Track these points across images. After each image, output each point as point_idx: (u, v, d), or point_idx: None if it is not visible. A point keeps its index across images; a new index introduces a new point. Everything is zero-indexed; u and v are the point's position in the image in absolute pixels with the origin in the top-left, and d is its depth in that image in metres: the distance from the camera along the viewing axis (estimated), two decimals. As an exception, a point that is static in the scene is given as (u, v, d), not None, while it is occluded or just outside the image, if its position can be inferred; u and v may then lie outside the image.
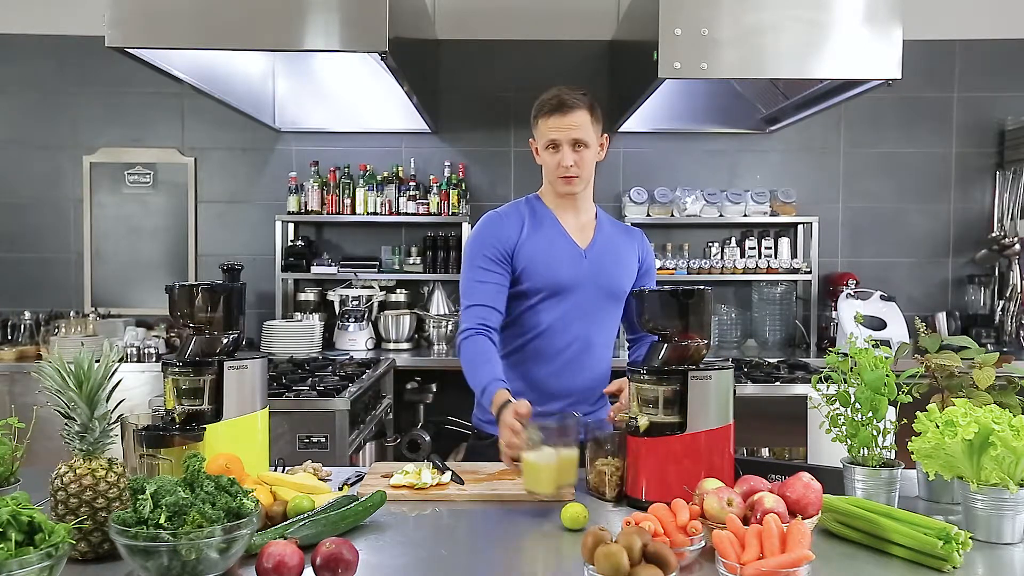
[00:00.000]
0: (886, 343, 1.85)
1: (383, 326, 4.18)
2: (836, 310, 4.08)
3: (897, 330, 3.79)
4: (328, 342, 4.17)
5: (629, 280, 2.14)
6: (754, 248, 4.29)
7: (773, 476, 1.62)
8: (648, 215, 4.23)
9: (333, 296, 4.21)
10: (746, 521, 1.35)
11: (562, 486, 1.64)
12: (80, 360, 1.34)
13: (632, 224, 4.15)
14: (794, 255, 4.29)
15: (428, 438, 3.59)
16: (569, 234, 2.11)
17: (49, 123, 4.37)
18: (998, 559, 1.36)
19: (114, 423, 1.39)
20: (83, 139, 4.38)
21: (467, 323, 2.00)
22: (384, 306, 4.27)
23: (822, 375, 1.66)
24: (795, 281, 4.31)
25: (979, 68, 4.39)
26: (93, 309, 4.26)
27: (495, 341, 2.00)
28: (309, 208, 4.24)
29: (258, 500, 1.31)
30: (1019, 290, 4.22)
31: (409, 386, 3.93)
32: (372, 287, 4.25)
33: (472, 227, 2.19)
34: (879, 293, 3.99)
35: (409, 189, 4.23)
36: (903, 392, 1.59)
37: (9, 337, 4.00)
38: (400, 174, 4.31)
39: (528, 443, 1.64)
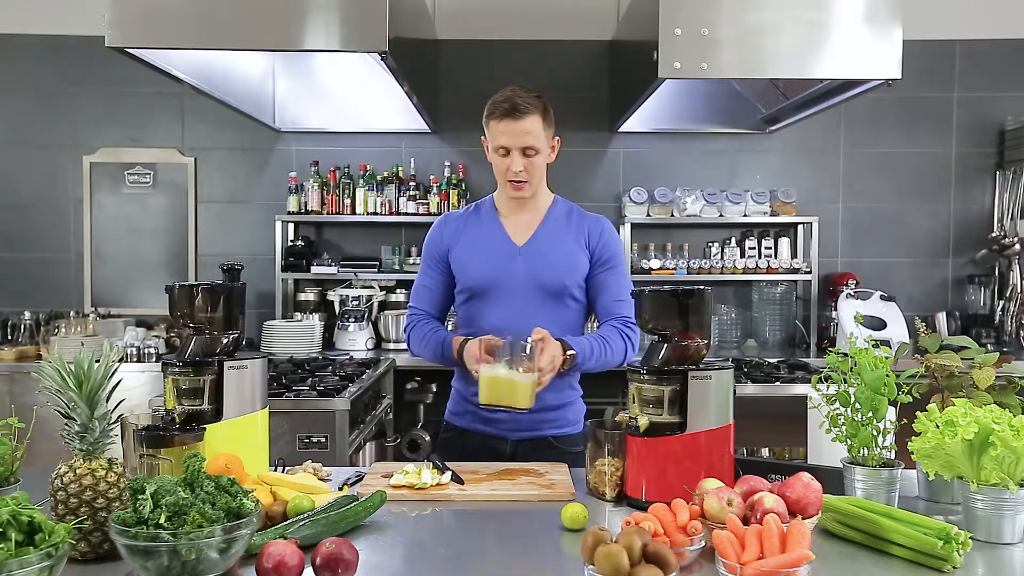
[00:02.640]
0: (886, 343, 1.85)
1: (383, 326, 4.19)
2: (836, 310, 4.08)
3: (897, 330, 3.79)
4: (328, 342, 4.17)
5: (572, 274, 2.08)
6: (754, 248, 4.29)
7: (773, 476, 1.62)
8: (648, 215, 4.23)
9: (333, 296, 4.21)
10: (746, 521, 1.35)
11: (510, 405, 1.83)
12: (80, 360, 1.34)
13: (632, 224, 4.22)
14: (794, 255, 4.29)
15: (428, 438, 3.61)
16: (508, 232, 2.12)
17: (49, 123, 4.37)
18: (998, 559, 1.36)
19: (114, 423, 1.39)
20: (83, 139, 4.38)
21: (408, 321, 2.19)
22: (384, 306, 4.27)
23: (822, 375, 1.66)
24: (795, 281, 4.31)
25: (979, 68, 4.39)
26: (93, 309, 4.26)
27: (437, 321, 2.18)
28: (309, 208, 4.24)
29: (258, 500, 1.31)
30: (1019, 290, 4.22)
31: (409, 386, 3.93)
32: (372, 287, 4.26)
33: None
34: (879, 293, 3.99)
35: (409, 189, 4.23)
36: (903, 392, 1.59)
37: (9, 337, 4.01)
38: (400, 174, 4.31)
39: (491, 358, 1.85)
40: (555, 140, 2.11)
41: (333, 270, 4.22)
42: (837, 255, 4.45)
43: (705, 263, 4.20)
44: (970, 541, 1.31)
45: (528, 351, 1.83)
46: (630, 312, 2.08)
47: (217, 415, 1.62)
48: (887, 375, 1.57)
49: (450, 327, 2.31)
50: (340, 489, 1.69)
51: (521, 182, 2.05)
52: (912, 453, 1.49)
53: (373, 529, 1.49)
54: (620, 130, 4.27)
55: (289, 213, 4.26)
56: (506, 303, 2.05)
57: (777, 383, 3.29)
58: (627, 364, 1.70)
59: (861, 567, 1.33)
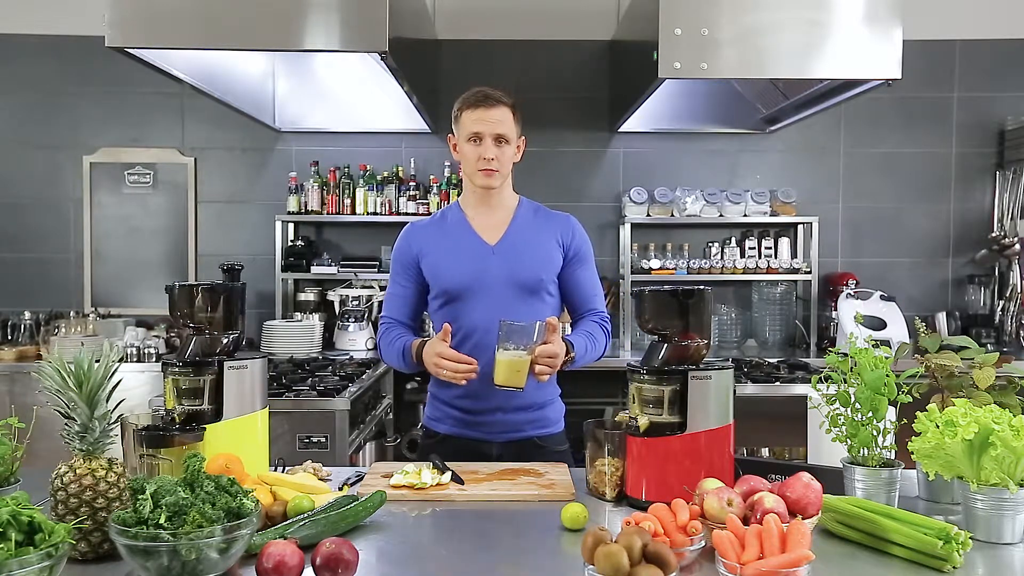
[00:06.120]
0: (886, 343, 1.85)
1: (383, 326, 4.19)
2: (836, 310, 4.08)
3: (897, 330, 3.79)
4: (328, 342, 4.17)
5: (548, 269, 2.12)
6: (754, 248, 4.29)
7: (773, 476, 1.62)
8: (648, 215, 4.23)
9: (333, 296, 4.21)
10: (746, 521, 1.35)
11: (515, 385, 1.87)
12: (80, 360, 1.34)
13: (632, 224, 4.21)
14: (794, 255, 4.29)
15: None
16: (478, 233, 2.13)
17: (49, 123, 4.37)
18: (998, 559, 1.36)
19: (114, 423, 1.39)
20: (83, 139, 4.38)
21: (379, 331, 2.20)
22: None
23: (822, 375, 1.66)
24: (795, 281, 4.31)
25: (979, 68, 4.39)
26: (93, 309, 4.26)
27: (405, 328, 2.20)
28: (309, 208, 4.24)
29: (258, 500, 1.31)
30: (1019, 290, 4.22)
31: (409, 386, 3.94)
32: (372, 287, 4.26)
33: None
34: (879, 293, 3.99)
35: (409, 189, 4.23)
36: (903, 392, 1.59)
37: (9, 337, 4.01)
38: (400, 174, 4.31)
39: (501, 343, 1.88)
40: (521, 139, 2.15)
41: (333, 270, 4.22)
42: (837, 255, 4.45)
43: (705, 263, 4.20)
44: (970, 541, 1.31)
45: (537, 332, 1.88)
46: (603, 306, 2.22)
47: (217, 415, 1.63)
48: (887, 375, 1.57)
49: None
50: (340, 489, 1.69)
51: (492, 170, 2.07)
52: (912, 453, 1.49)
53: (373, 529, 1.49)
54: (620, 130, 4.27)
55: (289, 213, 4.26)
56: (484, 303, 2.06)
57: (777, 383, 3.29)
58: (627, 364, 1.70)
59: (861, 567, 1.33)
